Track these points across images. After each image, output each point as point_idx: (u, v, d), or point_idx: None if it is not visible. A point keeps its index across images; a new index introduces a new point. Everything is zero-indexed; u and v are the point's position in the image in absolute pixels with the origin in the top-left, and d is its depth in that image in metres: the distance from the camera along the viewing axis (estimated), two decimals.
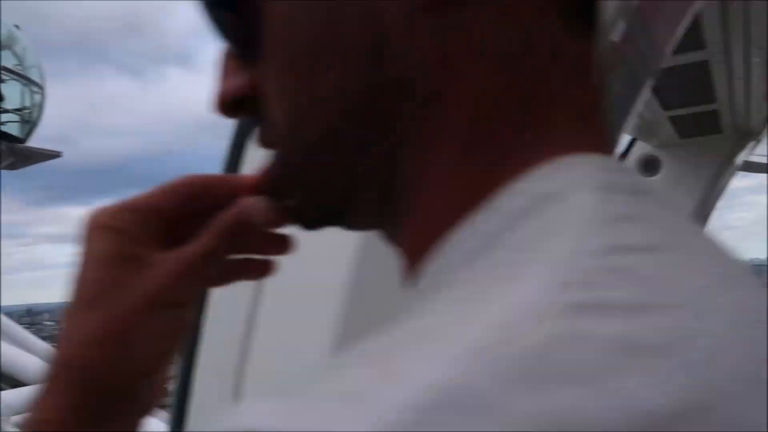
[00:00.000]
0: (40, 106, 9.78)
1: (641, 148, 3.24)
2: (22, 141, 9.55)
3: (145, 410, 0.38)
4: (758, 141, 3.22)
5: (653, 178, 3.24)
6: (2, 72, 8.98)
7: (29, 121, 9.64)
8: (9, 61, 9.22)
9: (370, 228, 0.33)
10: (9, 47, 9.30)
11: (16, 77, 9.30)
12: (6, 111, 9.38)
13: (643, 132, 3.05)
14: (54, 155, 10.00)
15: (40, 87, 9.71)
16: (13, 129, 9.49)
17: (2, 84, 9.08)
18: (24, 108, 9.57)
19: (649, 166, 3.22)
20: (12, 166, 9.89)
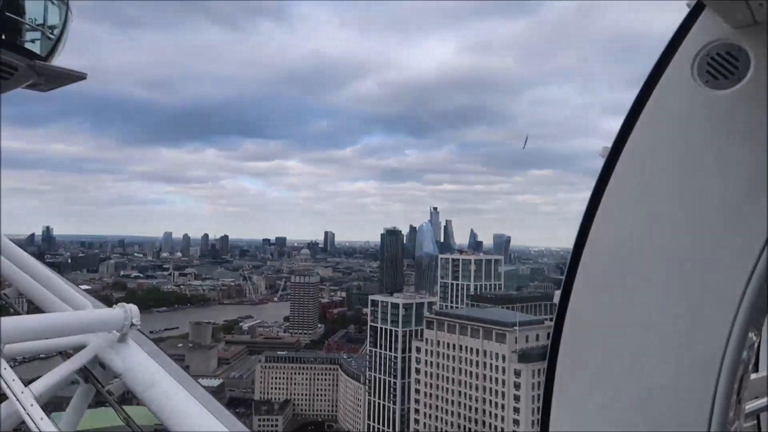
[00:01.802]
0: (65, 24, 9.37)
1: None
2: (44, 59, 9.17)
3: None
4: None
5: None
6: None
7: (52, 38, 9.24)
8: None
9: None
10: None
11: None
12: (31, 29, 9.01)
13: None
14: (80, 77, 9.58)
15: (65, 3, 9.27)
16: (35, 47, 9.14)
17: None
18: (47, 25, 9.17)
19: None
20: (38, 87, 9.58)
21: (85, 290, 8.80)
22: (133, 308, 7.56)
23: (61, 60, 9.50)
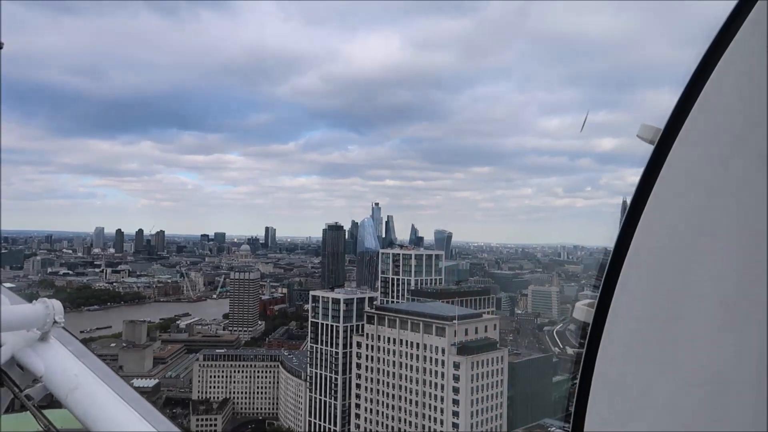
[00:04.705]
0: None
1: None
2: None
3: None
4: None
5: None
6: None
7: None
8: None
9: None
10: None
11: None
12: None
13: None
14: None
15: None
16: None
17: None
18: None
19: None
20: None
21: (9, 288, 8.13)
22: (55, 304, 7.01)
23: None
